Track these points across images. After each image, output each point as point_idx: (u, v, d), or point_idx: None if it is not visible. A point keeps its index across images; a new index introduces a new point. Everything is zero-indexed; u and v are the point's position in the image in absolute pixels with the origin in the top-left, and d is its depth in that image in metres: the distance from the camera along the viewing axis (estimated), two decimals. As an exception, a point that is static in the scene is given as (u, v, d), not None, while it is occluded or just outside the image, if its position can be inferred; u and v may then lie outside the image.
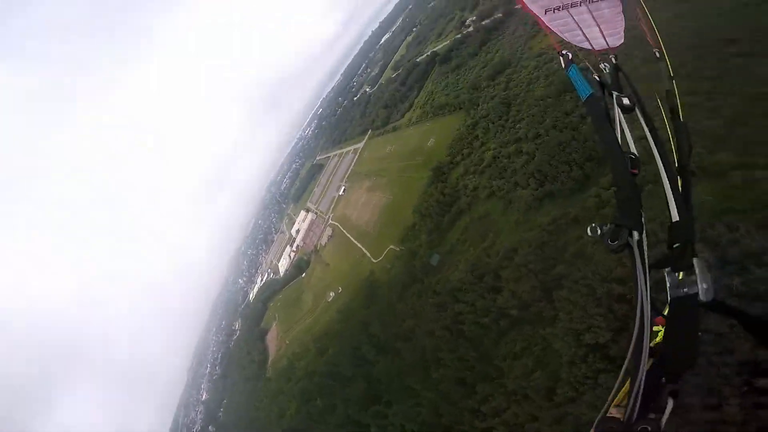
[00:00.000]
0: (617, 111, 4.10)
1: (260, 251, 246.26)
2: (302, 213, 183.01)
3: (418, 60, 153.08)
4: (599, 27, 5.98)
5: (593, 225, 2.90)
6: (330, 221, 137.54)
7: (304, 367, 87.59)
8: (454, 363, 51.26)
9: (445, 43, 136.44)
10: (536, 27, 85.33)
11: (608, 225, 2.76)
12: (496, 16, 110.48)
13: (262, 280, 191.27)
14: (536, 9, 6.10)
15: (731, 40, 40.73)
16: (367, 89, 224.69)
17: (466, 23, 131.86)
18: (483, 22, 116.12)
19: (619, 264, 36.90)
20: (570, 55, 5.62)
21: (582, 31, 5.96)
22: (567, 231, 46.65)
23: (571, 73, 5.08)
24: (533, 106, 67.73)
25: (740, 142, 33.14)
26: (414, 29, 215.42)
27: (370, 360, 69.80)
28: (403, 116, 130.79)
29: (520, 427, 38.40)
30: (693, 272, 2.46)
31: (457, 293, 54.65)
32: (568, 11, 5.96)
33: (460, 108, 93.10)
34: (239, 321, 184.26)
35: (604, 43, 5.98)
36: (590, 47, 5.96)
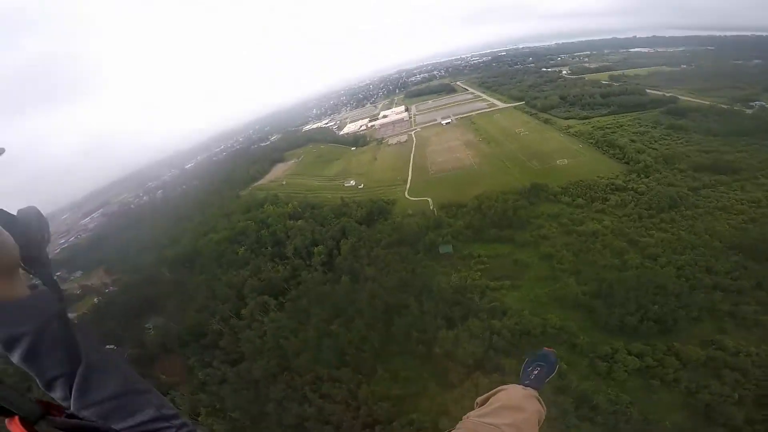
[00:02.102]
0: None
1: (348, 104, 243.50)
2: (403, 107, 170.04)
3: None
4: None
5: None
6: (414, 132, 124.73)
7: (271, 213, 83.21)
8: (357, 329, 45.95)
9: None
10: None
11: None
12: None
13: (326, 123, 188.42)
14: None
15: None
16: (565, 72, 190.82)
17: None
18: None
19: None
20: None
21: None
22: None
23: None
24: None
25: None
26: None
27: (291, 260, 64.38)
28: (567, 119, 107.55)
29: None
30: None
31: (421, 295, 47.68)
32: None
33: (628, 162, 72.55)
34: (278, 135, 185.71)
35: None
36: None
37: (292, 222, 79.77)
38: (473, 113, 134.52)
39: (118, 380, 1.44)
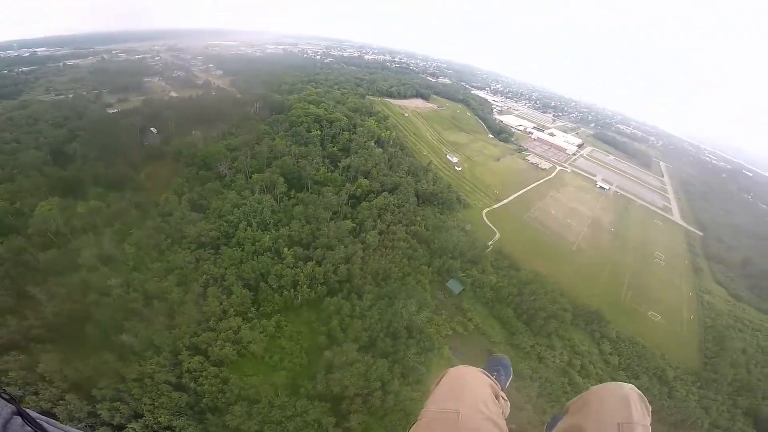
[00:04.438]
0: None
1: (530, 101, 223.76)
2: (579, 141, 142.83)
3: None
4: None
5: None
6: (560, 169, 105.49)
7: (367, 126, 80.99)
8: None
9: None
10: None
11: None
12: None
13: (494, 99, 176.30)
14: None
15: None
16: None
17: None
18: None
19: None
20: None
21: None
22: None
23: None
24: None
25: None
26: None
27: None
28: (737, 299, 77.46)
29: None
30: None
31: (385, 301, 41.73)
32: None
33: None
34: (448, 81, 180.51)
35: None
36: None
37: (374, 145, 75.51)
38: (639, 201, 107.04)
39: None
